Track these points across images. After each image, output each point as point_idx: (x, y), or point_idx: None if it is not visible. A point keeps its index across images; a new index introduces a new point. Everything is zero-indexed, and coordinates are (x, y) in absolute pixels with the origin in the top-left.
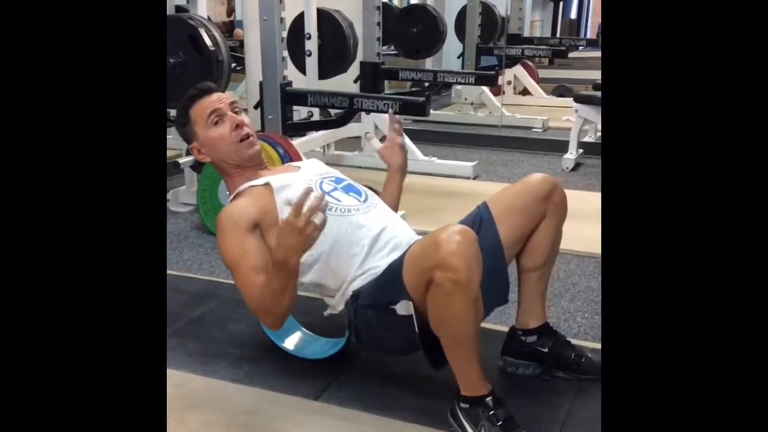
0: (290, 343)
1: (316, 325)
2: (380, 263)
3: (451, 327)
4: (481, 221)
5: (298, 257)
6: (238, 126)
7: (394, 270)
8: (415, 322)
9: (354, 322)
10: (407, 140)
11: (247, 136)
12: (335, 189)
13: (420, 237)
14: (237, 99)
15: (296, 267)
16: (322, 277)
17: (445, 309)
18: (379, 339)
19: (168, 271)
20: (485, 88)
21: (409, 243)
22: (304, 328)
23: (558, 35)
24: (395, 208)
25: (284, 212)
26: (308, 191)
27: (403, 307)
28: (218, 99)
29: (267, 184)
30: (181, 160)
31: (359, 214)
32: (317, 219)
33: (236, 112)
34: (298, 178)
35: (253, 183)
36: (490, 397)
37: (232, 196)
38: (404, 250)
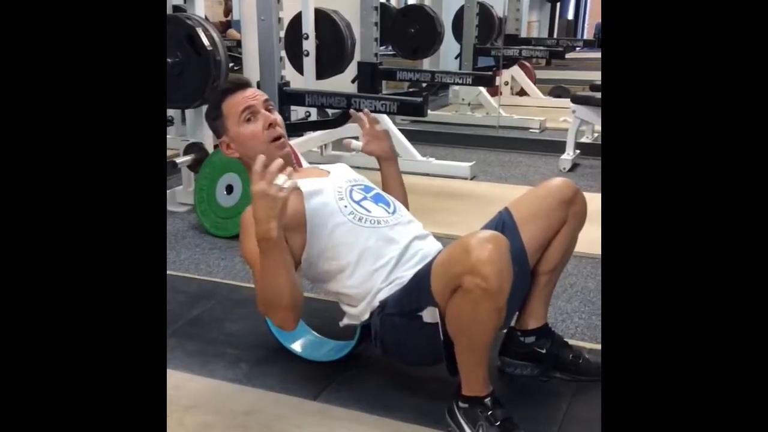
0: (298, 345)
1: (322, 327)
2: (407, 273)
3: (471, 333)
4: (504, 227)
5: (277, 226)
6: (271, 125)
7: (422, 277)
8: (441, 329)
9: (380, 332)
10: (404, 140)
11: (280, 137)
12: (365, 198)
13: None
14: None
15: (280, 240)
16: (347, 287)
17: (469, 315)
18: (405, 348)
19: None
20: (482, 89)
21: (437, 254)
22: (313, 331)
23: (555, 36)
24: (405, 202)
25: (313, 220)
26: (264, 160)
27: (430, 314)
28: (252, 95)
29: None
30: (178, 160)
31: (387, 227)
32: (280, 180)
33: (269, 111)
34: (327, 184)
35: None
36: (489, 398)
37: None
38: (431, 259)
